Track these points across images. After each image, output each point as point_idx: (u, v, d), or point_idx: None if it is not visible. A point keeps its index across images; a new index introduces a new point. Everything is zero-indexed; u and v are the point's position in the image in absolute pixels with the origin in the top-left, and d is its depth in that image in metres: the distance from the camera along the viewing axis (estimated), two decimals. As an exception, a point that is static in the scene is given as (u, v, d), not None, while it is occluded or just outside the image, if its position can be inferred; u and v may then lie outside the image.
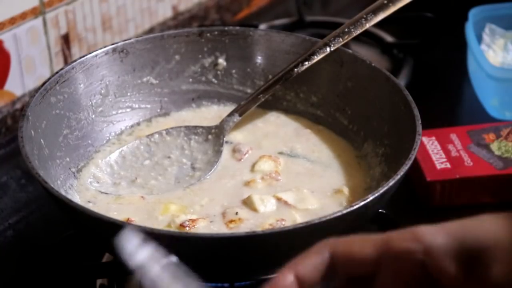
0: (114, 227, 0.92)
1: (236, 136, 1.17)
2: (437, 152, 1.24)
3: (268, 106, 1.21)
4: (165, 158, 1.13)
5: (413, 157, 0.99)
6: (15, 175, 1.31)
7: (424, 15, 1.57)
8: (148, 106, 1.21)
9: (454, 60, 1.54)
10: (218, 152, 1.13)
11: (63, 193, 1.02)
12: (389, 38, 1.58)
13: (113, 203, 1.07)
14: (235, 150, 1.15)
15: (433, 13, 1.57)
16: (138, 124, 1.20)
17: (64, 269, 1.05)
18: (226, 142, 1.16)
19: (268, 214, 1.04)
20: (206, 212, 1.04)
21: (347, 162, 1.13)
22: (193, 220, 1.02)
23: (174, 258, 0.75)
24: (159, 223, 1.03)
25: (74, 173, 1.11)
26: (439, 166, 1.22)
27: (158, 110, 1.21)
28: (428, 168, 1.21)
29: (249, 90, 1.22)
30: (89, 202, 1.07)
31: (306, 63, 1.15)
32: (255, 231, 0.93)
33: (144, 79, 1.20)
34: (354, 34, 1.15)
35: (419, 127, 1.03)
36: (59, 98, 1.11)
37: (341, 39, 1.15)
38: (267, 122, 1.20)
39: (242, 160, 1.13)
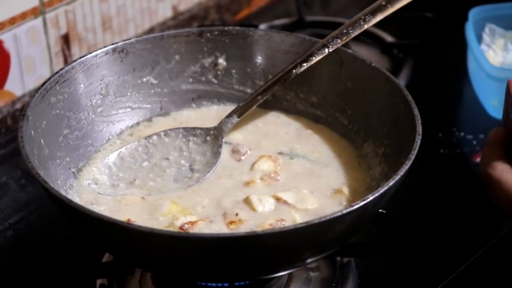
0: (114, 228, 0.92)
1: (235, 136, 1.17)
2: None
3: (268, 106, 1.21)
4: (163, 159, 1.13)
5: (413, 157, 0.99)
6: (15, 175, 1.32)
7: (424, 15, 1.57)
8: (148, 106, 1.21)
9: (454, 60, 1.54)
10: (216, 154, 1.13)
11: (63, 193, 1.02)
12: (389, 38, 1.58)
13: (114, 204, 1.07)
14: (234, 151, 1.15)
15: (433, 13, 1.57)
16: (138, 124, 1.20)
17: (64, 269, 1.05)
18: (226, 142, 1.16)
19: (267, 214, 1.04)
20: (206, 213, 1.04)
21: (347, 162, 1.13)
22: (192, 223, 1.02)
23: None
24: (160, 224, 1.03)
25: (74, 173, 1.11)
26: None
27: (158, 110, 1.21)
28: None
29: (249, 90, 1.22)
30: (90, 202, 1.07)
31: (305, 64, 1.15)
32: (255, 231, 0.93)
33: (144, 79, 1.20)
34: (353, 35, 1.15)
35: (419, 127, 1.03)
36: (59, 98, 1.11)
37: (339, 40, 1.15)
38: (267, 122, 1.20)
39: (241, 160, 1.13)
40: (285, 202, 1.06)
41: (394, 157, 1.07)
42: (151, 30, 1.58)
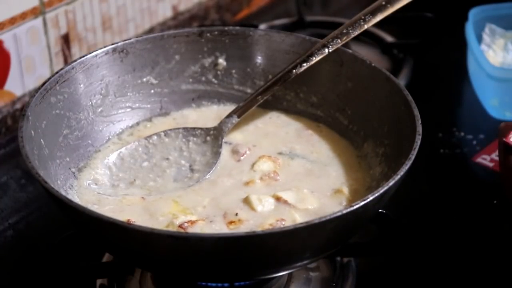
0: (114, 228, 0.92)
1: (236, 137, 1.17)
2: None
3: (268, 106, 1.21)
4: (163, 159, 1.13)
5: (413, 157, 0.99)
6: (15, 175, 1.32)
7: (424, 15, 1.57)
8: (148, 106, 1.21)
9: (454, 60, 1.54)
10: (216, 154, 1.13)
11: (63, 193, 1.02)
12: (389, 38, 1.58)
13: (114, 204, 1.07)
14: (234, 151, 1.15)
15: (433, 13, 1.57)
16: (138, 124, 1.20)
17: (64, 269, 1.05)
18: (226, 142, 1.16)
19: (267, 214, 1.04)
20: (206, 213, 1.04)
21: (347, 162, 1.13)
22: (192, 222, 1.02)
23: None
24: (160, 224, 1.03)
25: (74, 173, 1.11)
26: None
27: (158, 110, 1.21)
28: None
29: (249, 90, 1.22)
30: (90, 202, 1.07)
31: (305, 64, 1.15)
32: (255, 231, 0.92)
33: (144, 79, 1.20)
34: (353, 35, 1.15)
35: (419, 127, 1.03)
36: (59, 98, 1.11)
37: (339, 40, 1.15)
38: (267, 122, 1.20)
39: (241, 160, 1.13)
40: (285, 202, 1.06)
41: (394, 157, 1.07)
42: (151, 30, 1.58)
